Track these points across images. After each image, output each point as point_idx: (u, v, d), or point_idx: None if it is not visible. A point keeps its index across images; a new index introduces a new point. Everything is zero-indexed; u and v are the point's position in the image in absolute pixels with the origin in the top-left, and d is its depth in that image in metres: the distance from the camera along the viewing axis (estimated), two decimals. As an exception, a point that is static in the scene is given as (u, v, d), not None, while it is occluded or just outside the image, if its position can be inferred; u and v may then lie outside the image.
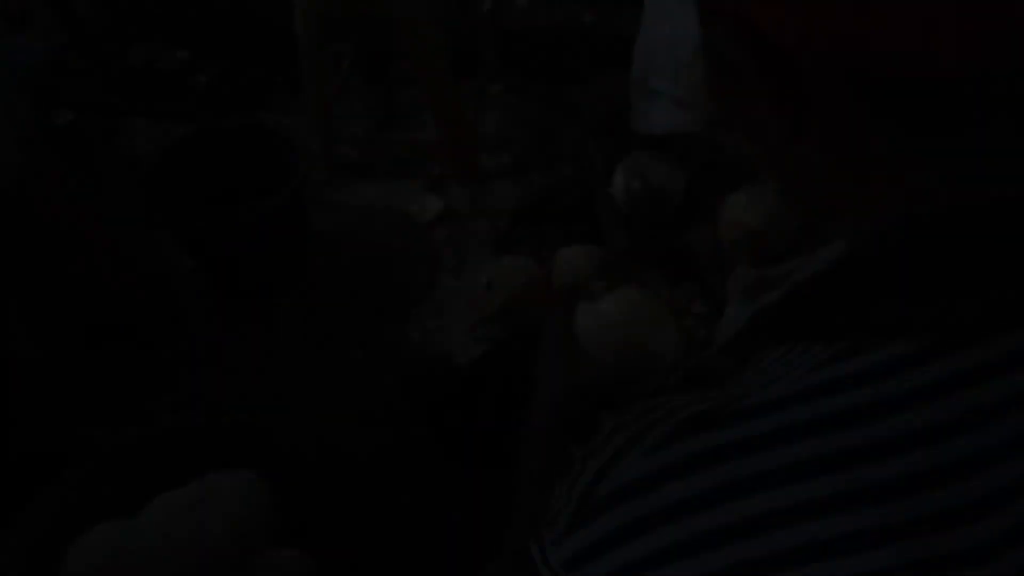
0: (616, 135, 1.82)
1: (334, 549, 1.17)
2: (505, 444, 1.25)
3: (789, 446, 0.40)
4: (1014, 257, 0.40)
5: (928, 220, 0.41)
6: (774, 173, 0.49)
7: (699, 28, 0.47)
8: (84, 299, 1.69)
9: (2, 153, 1.57)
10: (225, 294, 1.92)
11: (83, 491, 1.25)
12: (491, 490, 1.24)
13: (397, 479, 1.21)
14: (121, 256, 1.78)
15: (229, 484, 1.21)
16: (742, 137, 0.49)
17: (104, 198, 2.15)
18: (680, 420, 0.43)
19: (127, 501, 1.23)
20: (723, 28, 0.43)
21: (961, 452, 0.39)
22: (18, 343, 1.51)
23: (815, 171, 0.44)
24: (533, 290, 1.57)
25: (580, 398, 0.90)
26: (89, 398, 1.68)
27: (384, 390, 1.69)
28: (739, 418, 0.41)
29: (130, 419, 1.57)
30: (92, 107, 2.35)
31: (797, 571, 0.39)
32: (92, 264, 1.69)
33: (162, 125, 2.35)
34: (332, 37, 2.26)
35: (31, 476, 1.28)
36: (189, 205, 1.83)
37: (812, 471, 0.39)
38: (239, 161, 1.90)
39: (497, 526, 1.00)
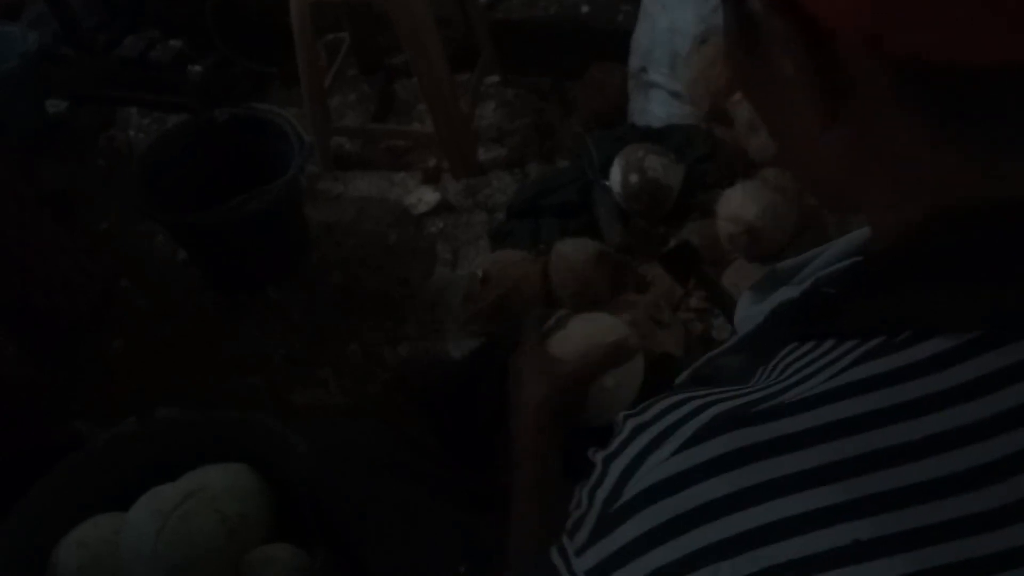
0: (613, 128, 1.81)
1: (328, 544, 1.16)
2: (499, 439, 1.24)
3: (830, 444, 0.38)
4: None
5: (967, 213, 0.39)
6: (797, 163, 0.47)
7: (704, 24, 0.45)
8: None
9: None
10: (219, 287, 1.90)
11: (74, 485, 1.24)
12: (486, 485, 1.23)
13: (391, 473, 1.20)
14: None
15: (222, 478, 1.20)
16: (767, 125, 0.47)
17: (97, 188, 2.14)
18: (712, 417, 0.41)
19: (119, 495, 1.23)
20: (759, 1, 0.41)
21: (1003, 451, 0.38)
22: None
23: (843, 161, 0.42)
24: (529, 284, 1.56)
25: (558, 410, 0.88)
26: (77, 391, 1.67)
27: (379, 383, 1.68)
28: (776, 415, 0.40)
29: (122, 413, 1.56)
30: (86, 97, 2.34)
31: (836, 572, 0.37)
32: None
33: (156, 116, 2.34)
34: (327, 28, 2.25)
35: (22, 470, 1.27)
36: (182, 196, 1.81)
37: (855, 470, 0.38)
38: (233, 152, 1.89)
39: (492, 521, 0.99)
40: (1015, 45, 0.34)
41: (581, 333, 0.97)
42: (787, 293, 0.50)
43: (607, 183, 1.63)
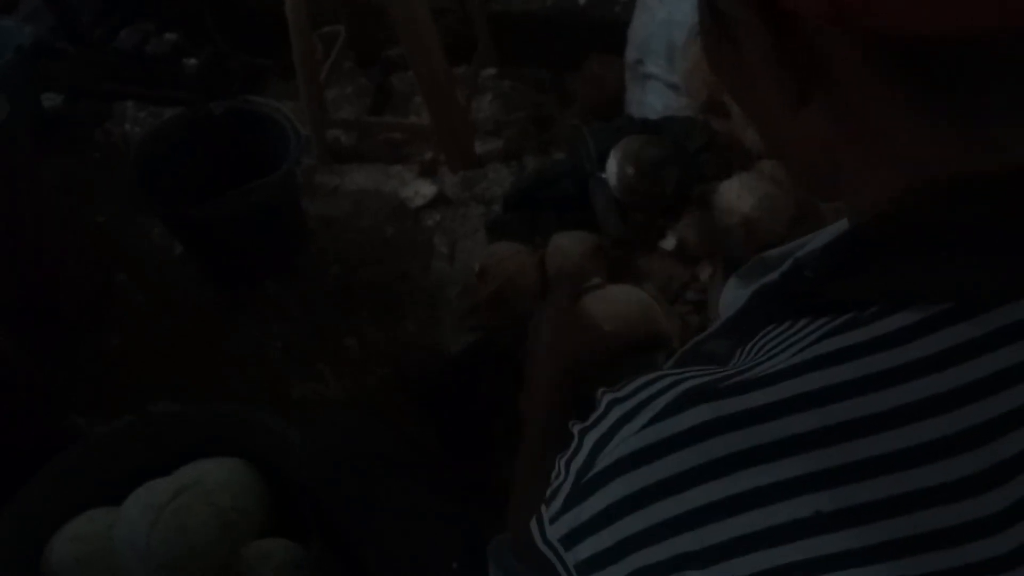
0: (610, 120, 1.80)
1: (324, 539, 1.16)
2: (497, 433, 1.24)
3: (795, 416, 0.39)
4: None
5: (938, 188, 0.39)
6: (775, 146, 0.47)
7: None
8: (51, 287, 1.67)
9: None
10: (216, 280, 1.90)
11: (69, 479, 1.24)
12: (483, 478, 1.23)
13: (388, 468, 1.20)
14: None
15: (216, 472, 1.20)
16: (743, 110, 0.47)
17: (93, 183, 2.13)
18: (680, 392, 0.42)
19: (114, 490, 1.22)
20: None
21: (972, 420, 0.38)
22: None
23: (819, 141, 0.42)
24: (526, 277, 1.56)
25: (579, 375, 0.88)
26: (76, 387, 1.66)
27: (376, 377, 1.68)
28: (743, 389, 0.40)
29: (120, 408, 1.56)
30: (81, 91, 2.33)
31: (799, 544, 0.38)
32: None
33: (152, 109, 2.33)
34: (324, 21, 2.24)
35: (19, 465, 1.27)
36: (179, 190, 1.81)
37: (819, 442, 0.38)
38: (230, 146, 1.88)
39: (489, 514, 0.99)
40: (977, 13, 0.34)
41: (611, 302, 0.96)
42: (770, 277, 0.50)
43: (604, 175, 1.62)
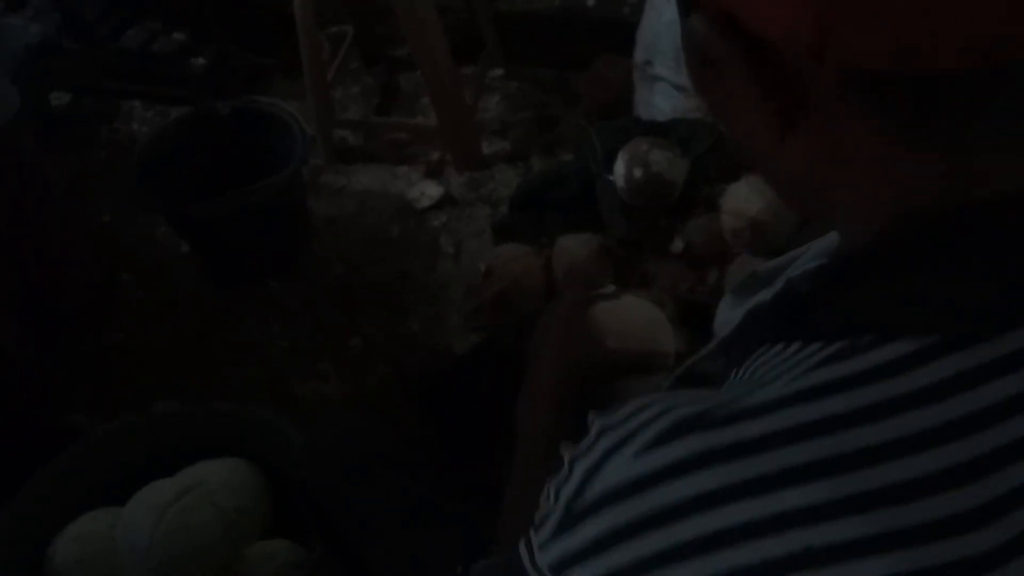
0: (618, 121, 1.79)
1: (326, 540, 1.15)
2: (499, 434, 1.23)
3: (787, 449, 0.38)
4: (1017, 254, 0.38)
5: (925, 217, 0.39)
6: (763, 170, 0.47)
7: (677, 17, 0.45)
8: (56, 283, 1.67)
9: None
10: (220, 279, 1.90)
11: (71, 479, 1.24)
12: (484, 479, 1.22)
13: (390, 468, 1.19)
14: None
15: (219, 473, 1.20)
16: (729, 134, 0.47)
17: (99, 181, 2.13)
18: (673, 422, 0.41)
19: (117, 489, 1.22)
20: (703, 18, 0.41)
21: (966, 455, 0.37)
22: (4, 328, 1.49)
23: (805, 169, 0.43)
24: (532, 278, 1.55)
25: (579, 384, 0.88)
26: (77, 385, 1.66)
27: (379, 377, 1.67)
28: (735, 420, 0.40)
29: (121, 406, 1.56)
30: (88, 90, 2.33)
31: None
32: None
33: (159, 108, 2.33)
34: (330, 20, 2.23)
35: (20, 463, 1.27)
36: (184, 189, 1.81)
37: (811, 475, 0.38)
38: (235, 145, 1.88)
39: (489, 515, 0.98)
40: (959, 53, 0.34)
41: (620, 314, 0.96)
42: (762, 296, 0.50)
43: (611, 177, 1.62)
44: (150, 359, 1.74)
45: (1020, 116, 0.38)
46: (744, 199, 1.46)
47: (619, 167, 1.59)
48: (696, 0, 0.42)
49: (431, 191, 1.98)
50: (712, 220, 1.53)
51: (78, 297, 1.72)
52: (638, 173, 1.55)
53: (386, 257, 1.89)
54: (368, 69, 2.31)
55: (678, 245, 1.53)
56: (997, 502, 0.37)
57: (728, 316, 0.54)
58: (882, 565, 0.36)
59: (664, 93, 1.80)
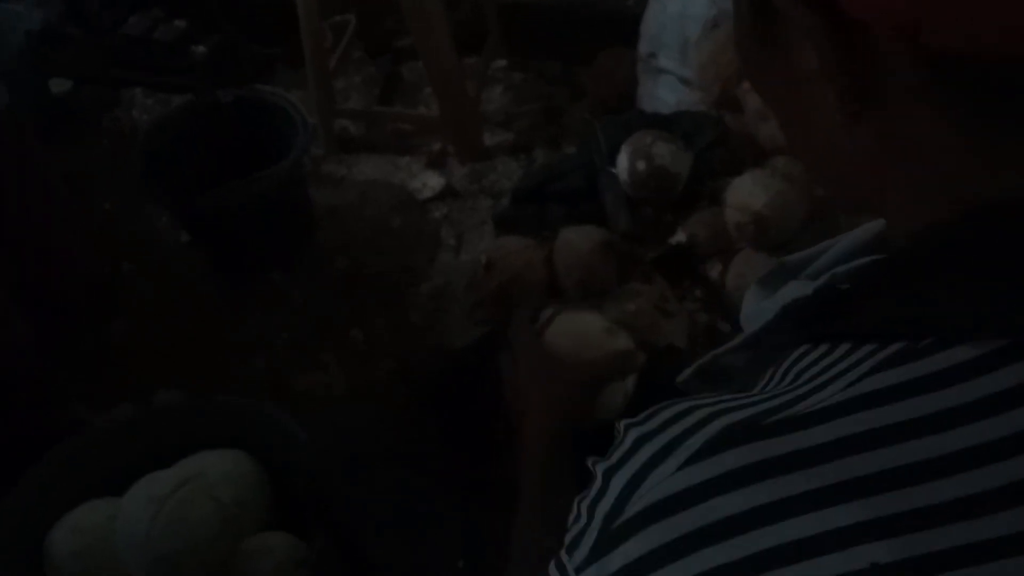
0: (622, 114, 1.78)
1: (326, 533, 1.15)
2: (499, 430, 1.22)
3: (848, 460, 0.36)
4: None
5: (990, 214, 0.37)
6: (814, 160, 0.44)
7: (717, 7, 0.42)
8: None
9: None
10: (222, 270, 1.89)
11: (71, 470, 1.23)
12: (485, 475, 1.22)
13: (391, 462, 1.19)
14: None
15: (219, 464, 1.19)
16: (781, 120, 0.45)
17: (101, 170, 2.12)
18: (720, 429, 0.38)
19: (116, 481, 1.22)
20: None
21: None
22: (10, 321, 1.49)
23: (864, 159, 0.40)
24: (534, 272, 1.54)
25: (563, 414, 0.86)
26: (79, 375, 1.66)
27: (381, 370, 1.67)
28: (790, 428, 0.37)
29: (123, 397, 1.55)
30: (90, 77, 2.32)
31: None
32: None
33: (161, 97, 2.32)
34: (333, 10, 2.22)
35: (21, 454, 1.26)
36: (186, 179, 1.80)
37: (875, 488, 0.35)
38: (237, 135, 1.87)
39: (492, 511, 0.98)
40: None
41: (572, 332, 0.95)
42: (798, 290, 0.47)
43: (614, 170, 1.61)
44: (151, 351, 1.73)
45: None
46: (748, 193, 1.44)
47: (622, 160, 1.58)
48: None
49: (433, 182, 1.97)
50: (716, 214, 1.51)
51: (79, 288, 1.72)
52: (641, 166, 1.54)
53: (387, 249, 1.89)
54: (371, 59, 2.30)
55: (681, 239, 1.52)
56: None
57: (755, 309, 0.51)
58: None
59: (668, 86, 1.79)
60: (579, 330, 0.96)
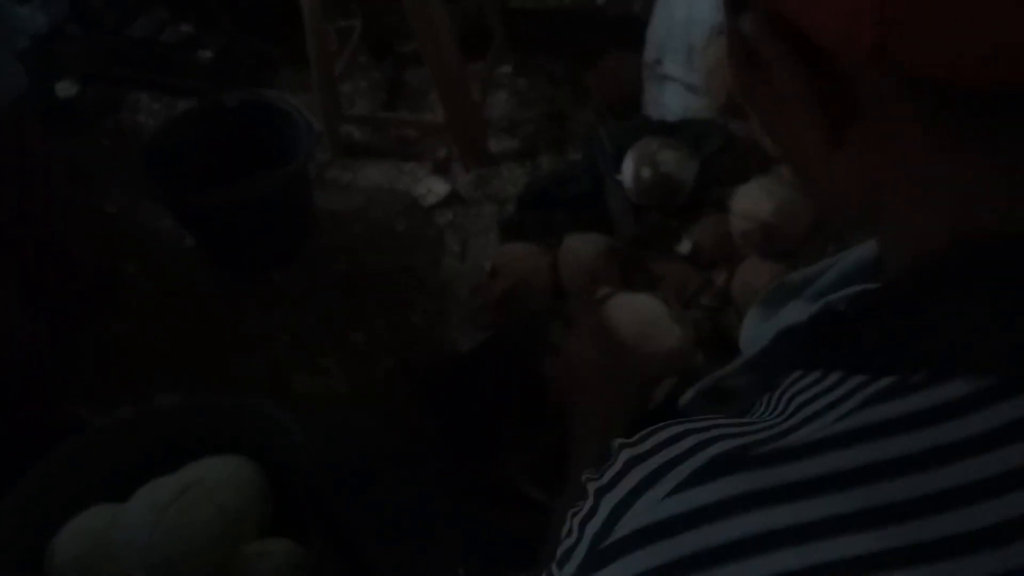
0: (627, 119, 1.78)
1: (326, 538, 1.14)
2: (502, 432, 1.22)
3: (836, 495, 0.36)
4: None
5: (988, 241, 0.36)
6: (807, 182, 0.44)
7: (722, 14, 0.42)
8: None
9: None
10: (223, 271, 1.89)
11: (71, 472, 1.23)
12: (486, 478, 1.21)
13: (392, 465, 1.18)
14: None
15: (220, 470, 1.19)
16: (773, 141, 0.45)
17: (104, 170, 2.12)
18: (711, 457, 0.38)
19: (117, 482, 1.21)
20: (753, 18, 0.38)
21: None
22: (15, 318, 1.49)
23: (854, 182, 0.40)
24: (539, 278, 1.54)
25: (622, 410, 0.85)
26: (79, 374, 1.65)
27: (382, 372, 1.66)
28: (780, 460, 0.37)
29: (123, 396, 1.55)
30: (95, 79, 2.32)
31: None
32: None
33: (166, 100, 2.32)
34: (339, 14, 2.22)
35: (21, 452, 1.26)
36: (190, 181, 1.80)
37: (863, 523, 0.35)
38: (242, 138, 1.87)
39: (492, 514, 0.97)
40: None
41: (637, 316, 0.94)
42: (796, 315, 0.47)
43: (619, 177, 1.60)
44: (152, 350, 1.73)
45: None
46: (754, 201, 1.44)
47: (627, 166, 1.57)
48: None
49: (438, 188, 1.97)
50: (721, 221, 1.51)
51: (81, 287, 1.71)
52: (646, 173, 1.54)
53: (391, 253, 1.88)
54: (376, 64, 2.30)
55: (686, 246, 1.52)
56: None
57: (755, 332, 0.51)
58: None
59: (674, 92, 1.79)
60: (643, 317, 0.94)
